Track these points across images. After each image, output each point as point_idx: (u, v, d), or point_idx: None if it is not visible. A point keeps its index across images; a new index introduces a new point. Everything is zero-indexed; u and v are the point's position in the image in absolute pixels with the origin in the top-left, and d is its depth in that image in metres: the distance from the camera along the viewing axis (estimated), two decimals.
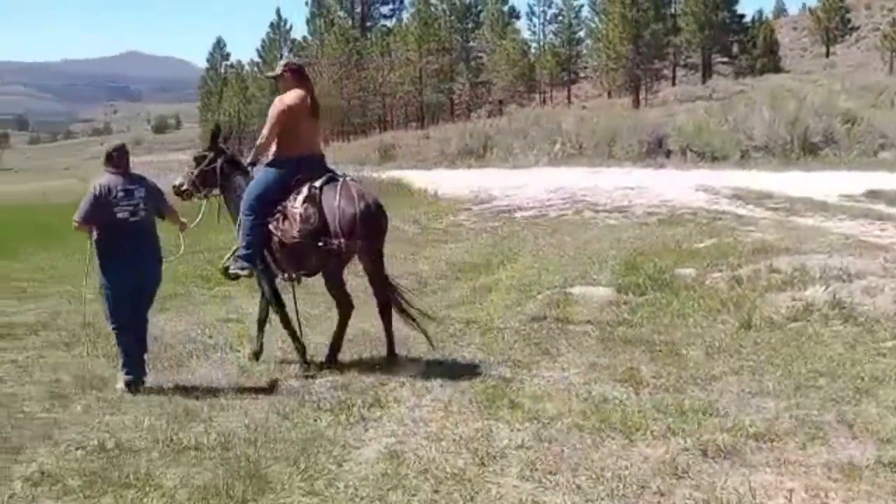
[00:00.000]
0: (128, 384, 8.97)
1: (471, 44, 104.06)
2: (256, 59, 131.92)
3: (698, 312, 11.77)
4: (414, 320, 10.14)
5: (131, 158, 9.44)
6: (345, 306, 9.98)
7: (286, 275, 9.97)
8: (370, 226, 9.55)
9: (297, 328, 10.03)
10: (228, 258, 9.99)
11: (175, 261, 10.32)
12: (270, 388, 8.97)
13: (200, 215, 10.34)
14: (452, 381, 8.93)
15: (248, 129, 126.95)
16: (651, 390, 8.50)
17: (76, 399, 8.59)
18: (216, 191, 10.40)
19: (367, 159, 60.67)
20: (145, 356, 9.32)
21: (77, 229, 9.16)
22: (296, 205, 9.41)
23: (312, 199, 9.38)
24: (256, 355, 10.21)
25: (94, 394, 8.72)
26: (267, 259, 9.80)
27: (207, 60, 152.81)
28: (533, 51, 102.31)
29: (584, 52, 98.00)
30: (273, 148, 9.82)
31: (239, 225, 9.85)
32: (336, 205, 9.35)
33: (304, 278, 10.18)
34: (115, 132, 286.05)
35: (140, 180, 9.30)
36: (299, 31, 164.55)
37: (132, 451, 7.02)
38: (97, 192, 8.99)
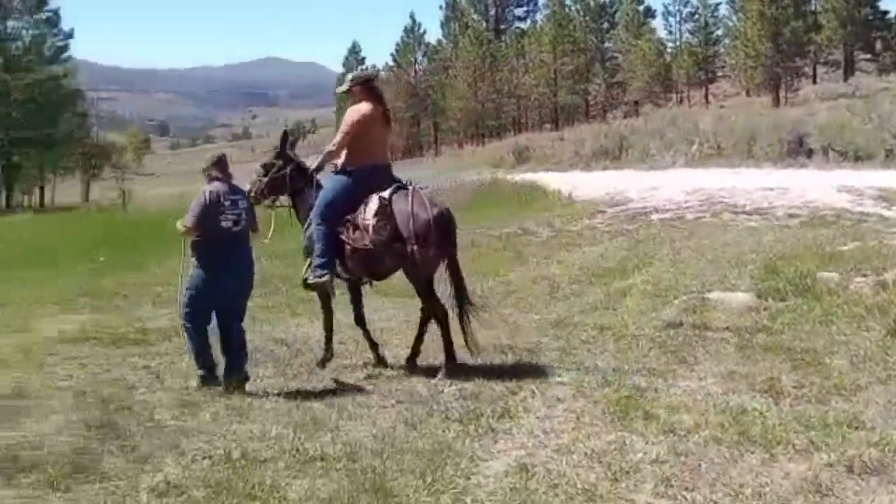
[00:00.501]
0: (203, 380, 9.19)
1: (606, 44, 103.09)
2: (391, 62, 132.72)
3: (842, 319, 11.33)
4: (464, 332, 10.01)
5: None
6: (440, 313, 9.99)
7: (358, 279, 10.28)
8: (443, 231, 9.66)
9: (331, 334, 10.45)
10: (306, 270, 10.05)
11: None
12: (399, 397, 8.82)
13: (271, 230, 10.42)
14: (585, 391, 8.71)
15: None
16: (792, 401, 8.15)
17: (205, 407, 8.56)
18: (283, 198, 10.53)
19: (502, 162, 60.58)
20: (246, 359, 9.43)
21: (184, 235, 9.29)
22: (366, 216, 9.60)
23: (383, 210, 9.52)
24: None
25: (222, 401, 8.67)
26: (336, 263, 9.93)
27: (343, 65, 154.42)
28: (669, 50, 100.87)
29: (722, 50, 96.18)
30: (342, 156, 10.00)
31: (307, 231, 10.08)
32: (408, 212, 9.47)
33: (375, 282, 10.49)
34: (255, 137, 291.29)
35: (241, 191, 9.49)
36: (433, 34, 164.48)
37: (258, 462, 6.94)
38: (207, 199, 9.10)
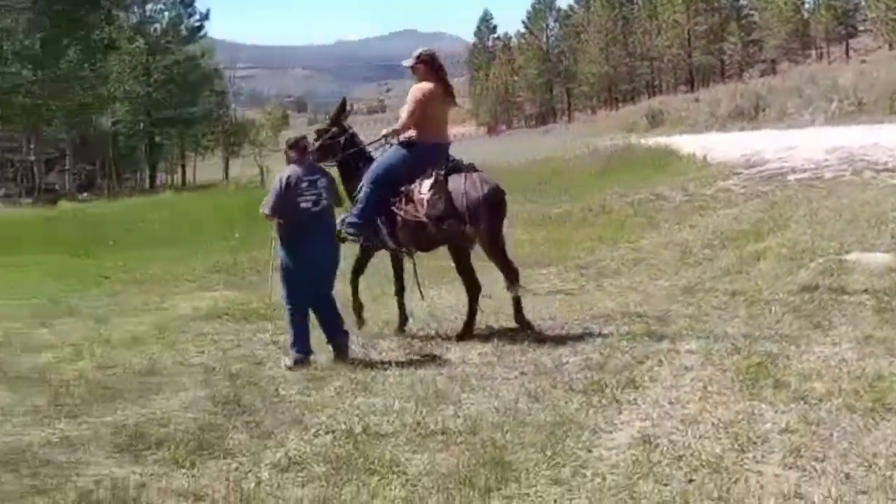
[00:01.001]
0: (296, 361, 9.22)
1: (741, 2, 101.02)
2: (523, 30, 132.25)
3: None
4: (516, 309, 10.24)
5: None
6: (474, 288, 10.19)
7: (403, 249, 10.39)
8: (493, 209, 9.88)
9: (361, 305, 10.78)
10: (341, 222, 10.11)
11: None
12: (523, 368, 8.72)
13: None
14: (714, 359, 8.49)
15: (513, 99, 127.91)
16: None
17: (330, 381, 8.58)
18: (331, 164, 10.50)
19: (635, 126, 59.91)
20: (346, 337, 9.58)
21: (265, 219, 9.49)
22: (422, 190, 9.83)
23: (439, 186, 9.74)
24: (401, 325, 10.62)
25: (347, 375, 8.68)
26: (382, 232, 10.17)
27: (475, 34, 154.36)
28: (807, 6, 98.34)
29: (863, 3, 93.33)
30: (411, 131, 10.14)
31: (354, 196, 10.27)
32: (462, 190, 9.73)
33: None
34: (390, 109, 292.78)
35: (319, 170, 9.56)
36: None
37: (379, 436, 6.90)
38: (283, 183, 9.22)
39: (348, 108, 11.04)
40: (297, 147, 9.49)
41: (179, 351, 10.43)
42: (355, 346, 9.73)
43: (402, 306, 10.63)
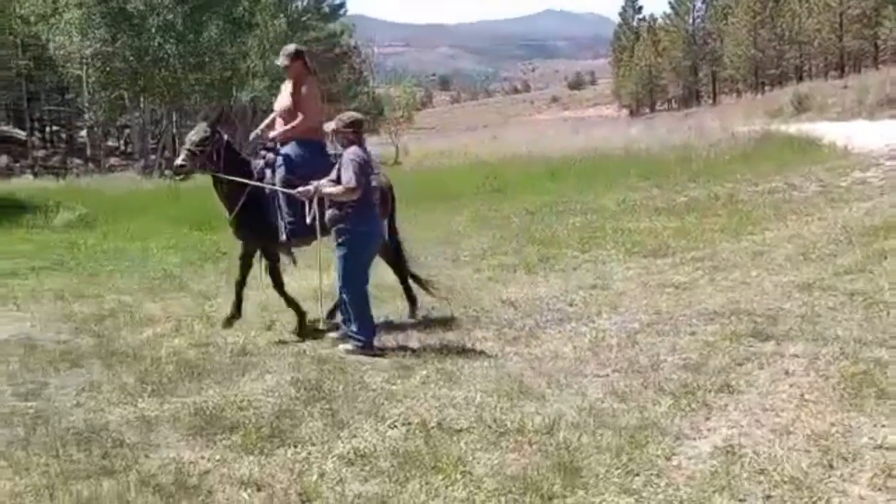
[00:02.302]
0: (365, 346, 9.21)
1: None
2: (668, 11, 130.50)
3: None
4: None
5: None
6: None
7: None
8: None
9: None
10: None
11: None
12: (616, 366, 8.42)
13: None
14: (818, 364, 8.07)
15: (657, 82, 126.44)
16: None
17: (417, 370, 8.44)
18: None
19: (780, 111, 58.48)
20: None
21: (349, 194, 9.20)
22: None
23: None
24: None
25: (434, 364, 8.53)
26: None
27: (620, 15, 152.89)
28: None
29: None
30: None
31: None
32: None
33: None
34: (533, 90, 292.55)
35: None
36: None
37: (454, 431, 6.72)
38: (361, 160, 9.21)
39: (225, 115, 11.06)
40: (357, 125, 9.47)
41: (275, 332, 10.41)
42: (449, 334, 9.64)
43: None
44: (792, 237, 14.94)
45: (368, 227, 9.31)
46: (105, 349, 9.69)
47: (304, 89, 10.22)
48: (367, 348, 9.16)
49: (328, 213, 9.28)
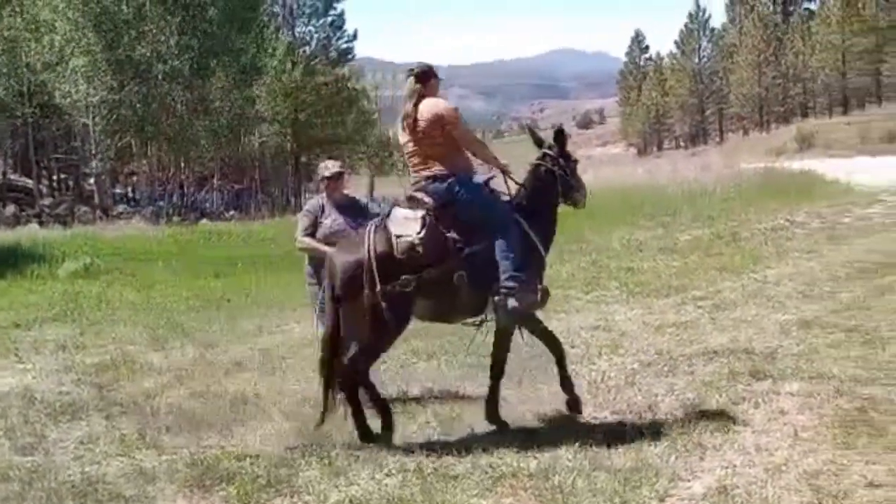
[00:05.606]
0: None
1: None
2: (675, 50, 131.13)
3: None
4: None
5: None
6: None
7: None
8: None
9: None
10: None
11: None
12: (614, 407, 8.46)
13: None
14: (813, 402, 8.11)
15: (664, 120, 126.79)
16: None
17: (417, 416, 8.49)
18: None
19: (785, 148, 58.65)
20: None
21: None
22: None
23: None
24: None
25: (433, 409, 8.60)
26: None
27: (626, 54, 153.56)
28: None
29: None
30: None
31: None
32: None
33: None
34: (541, 130, 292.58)
35: None
36: (718, 18, 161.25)
37: (449, 478, 6.72)
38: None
39: None
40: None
41: (278, 379, 10.43)
42: (449, 378, 9.68)
43: None
44: (793, 274, 14.99)
45: None
46: (105, 400, 9.72)
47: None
48: None
49: None
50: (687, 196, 28.72)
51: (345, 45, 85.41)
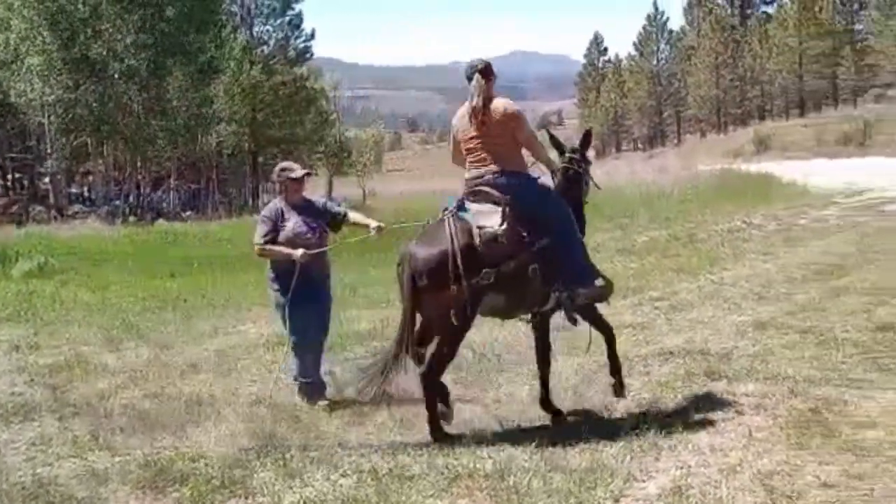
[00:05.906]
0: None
1: (856, 26, 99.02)
2: (633, 52, 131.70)
3: None
4: None
5: None
6: None
7: None
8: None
9: None
10: None
11: None
12: (572, 407, 8.47)
13: None
14: (767, 403, 8.11)
15: (622, 122, 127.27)
16: None
17: (372, 416, 8.46)
18: None
19: (742, 150, 59.10)
20: None
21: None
22: None
23: None
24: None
25: (390, 410, 8.54)
26: None
27: (584, 56, 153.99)
28: None
29: None
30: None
31: None
32: None
33: None
34: None
35: None
36: (676, 21, 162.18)
37: (405, 478, 6.69)
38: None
39: None
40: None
41: (233, 380, 10.36)
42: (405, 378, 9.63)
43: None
44: (749, 276, 15.08)
45: None
46: (58, 401, 9.61)
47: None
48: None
49: None
50: (644, 198, 28.89)
51: (303, 45, 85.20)
